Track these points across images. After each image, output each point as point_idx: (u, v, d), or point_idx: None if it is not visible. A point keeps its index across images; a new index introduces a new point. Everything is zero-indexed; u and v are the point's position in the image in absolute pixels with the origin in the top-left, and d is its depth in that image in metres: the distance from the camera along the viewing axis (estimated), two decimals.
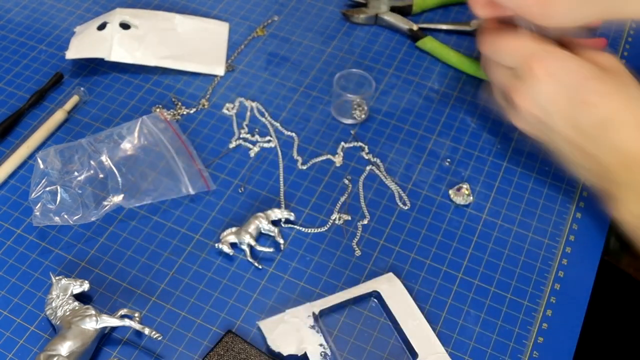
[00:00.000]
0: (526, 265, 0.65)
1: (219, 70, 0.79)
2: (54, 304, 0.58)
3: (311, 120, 0.76)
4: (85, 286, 0.59)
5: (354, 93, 0.75)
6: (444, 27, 0.84)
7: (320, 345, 0.58)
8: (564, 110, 0.60)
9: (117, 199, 0.66)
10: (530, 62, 0.60)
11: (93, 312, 0.57)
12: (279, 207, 0.68)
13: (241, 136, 0.74)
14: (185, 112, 0.75)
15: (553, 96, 0.60)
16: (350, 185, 0.70)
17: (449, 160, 0.72)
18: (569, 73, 0.59)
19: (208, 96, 0.77)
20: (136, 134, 0.71)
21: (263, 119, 0.75)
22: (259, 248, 0.64)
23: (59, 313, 0.57)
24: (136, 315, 0.58)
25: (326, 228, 0.67)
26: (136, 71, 0.79)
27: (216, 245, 0.64)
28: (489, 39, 0.64)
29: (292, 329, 0.58)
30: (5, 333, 0.59)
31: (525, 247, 0.66)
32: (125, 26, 0.78)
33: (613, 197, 0.60)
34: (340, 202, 0.69)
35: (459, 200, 0.68)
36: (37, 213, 0.64)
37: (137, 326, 0.57)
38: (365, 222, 0.67)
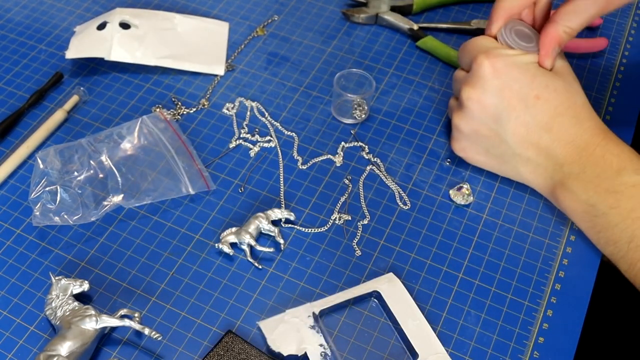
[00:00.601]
0: (527, 265, 0.65)
1: (219, 70, 0.79)
2: (53, 304, 0.58)
3: (311, 120, 0.75)
4: (85, 286, 0.59)
5: (354, 93, 0.75)
6: (445, 26, 0.84)
7: (321, 345, 0.58)
8: (515, 105, 0.62)
9: (117, 199, 0.66)
10: (479, 58, 0.63)
11: (93, 312, 0.57)
12: (279, 207, 0.68)
13: (241, 136, 0.74)
14: (185, 112, 0.75)
15: (502, 91, 0.62)
16: (350, 185, 0.70)
17: (449, 160, 0.72)
18: (516, 69, 0.62)
19: (208, 96, 0.77)
20: (136, 134, 0.70)
21: (263, 119, 0.75)
22: (259, 248, 0.64)
23: (59, 313, 0.57)
24: (136, 315, 0.58)
25: (326, 228, 0.67)
26: (136, 71, 0.79)
27: (216, 245, 0.64)
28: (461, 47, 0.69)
29: (292, 329, 0.58)
30: (5, 333, 0.59)
31: (525, 247, 0.66)
32: (125, 26, 0.78)
33: (562, 189, 0.62)
34: (340, 202, 0.69)
35: (460, 200, 0.68)
36: (37, 213, 0.64)
37: (137, 326, 0.57)
38: (366, 222, 0.67)
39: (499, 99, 0.63)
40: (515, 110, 0.62)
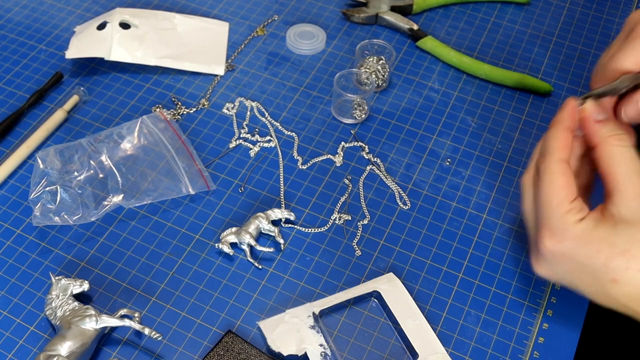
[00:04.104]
0: (527, 265, 0.65)
1: (219, 70, 0.79)
2: (53, 304, 0.58)
3: (311, 120, 0.75)
4: (85, 286, 0.59)
5: (354, 93, 0.75)
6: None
7: (321, 345, 0.58)
8: (589, 284, 0.53)
9: (117, 198, 0.66)
10: (542, 237, 0.53)
11: (93, 312, 0.57)
12: (279, 207, 0.68)
13: (241, 136, 0.74)
14: (185, 112, 0.75)
15: (573, 271, 0.53)
16: (350, 185, 0.70)
17: (449, 160, 0.72)
18: (585, 257, 0.52)
19: (208, 96, 0.77)
20: (136, 134, 0.70)
21: (263, 119, 0.75)
22: (259, 248, 0.64)
23: (59, 313, 0.57)
24: (136, 315, 0.58)
25: (326, 228, 0.67)
26: (136, 71, 0.79)
27: (216, 245, 0.64)
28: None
29: (292, 329, 0.58)
30: (5, 333, 0.59)
31: (526, 247, 0.66)
32: (125, 26, 0.78)
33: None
34: (340, 202, 0.69)
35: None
36: (37, 213, 0.64)
37: (137, 326, 0.57)
38: (366, 222, 0.67)
39: (572, 277, 0.53)
40: (591, 289, 0.53)
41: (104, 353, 0.58)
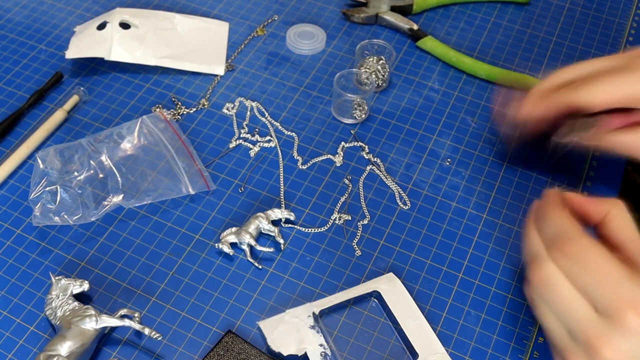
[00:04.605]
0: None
1: (219, 70, 0.79)
2: (53, 304, 0.58)
3: (311, 120, 0.75)
4: (85, 286, 0.59)
5: (354, 93, 0.75)
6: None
7: (321, 345, 0.58)
8: None
9: (117, 198, 0.66)
10: (623, 310, 0.46)
11: (93, 312, 0.57)
12: (279, 207, 0.68)
13: (241, 136, 0.74)
14: (185, 112, 0.75)
15: None
16: (350, 185, 0.70)
17: (449, 160, 0.72)
18: None
19: (208, 96, 0.77)
20: (136, 134, 0.70)
21: (263, 119, 0.75)
22: (259, 248, 0.64)
23: (59, 313, 0.57)
24: (136, 315, 0.58)
25: (326, 228, 0.67)
26: (136, 71, 0.79)
27: (216, 245, 0.64)
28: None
29: (292, 329, 0.58)
30: (5, 333, 0.59)
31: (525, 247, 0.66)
32: (125, 26, 0.78)
33: None
34: (340, 202, 0.69)
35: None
36: (37, 213, 0.64)
37: (137, 326, 0.57)
38: (366, 222, 0.67)
39: None
40: None
41: (104, 353, 0.58)
